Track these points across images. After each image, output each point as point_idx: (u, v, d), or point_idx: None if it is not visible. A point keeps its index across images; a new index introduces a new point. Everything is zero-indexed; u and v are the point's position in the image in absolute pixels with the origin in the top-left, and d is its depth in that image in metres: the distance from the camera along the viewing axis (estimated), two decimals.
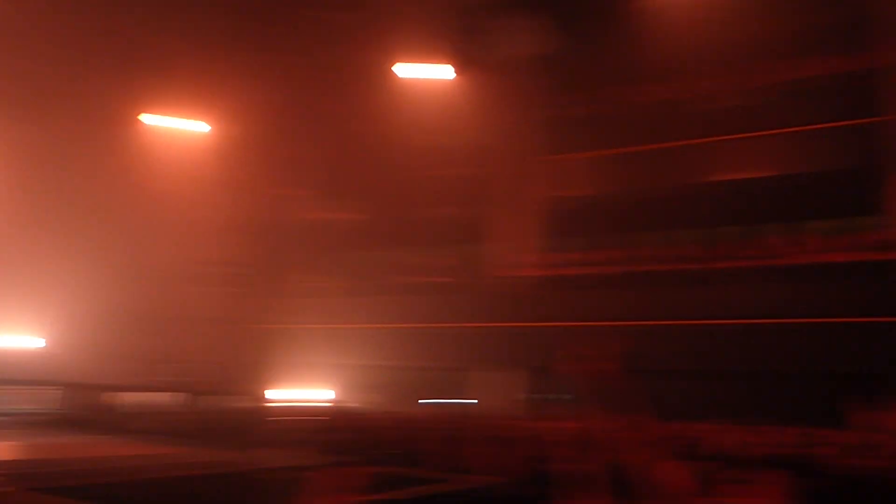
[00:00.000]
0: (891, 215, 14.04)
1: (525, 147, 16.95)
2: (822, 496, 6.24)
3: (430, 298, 16.82)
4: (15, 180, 17.58)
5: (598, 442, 4.59)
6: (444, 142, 18.01)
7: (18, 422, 13.85)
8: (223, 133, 19.19)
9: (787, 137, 14.73)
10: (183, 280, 19.57)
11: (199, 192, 18.62)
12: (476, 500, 7.59)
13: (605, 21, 15.98)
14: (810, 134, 14.55)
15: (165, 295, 19.16)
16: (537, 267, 15.65)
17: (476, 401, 15.16)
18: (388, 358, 16.76)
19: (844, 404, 9.82)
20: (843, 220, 15.69)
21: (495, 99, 17.50)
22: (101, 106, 17.83)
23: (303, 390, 15.03)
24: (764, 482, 5.55)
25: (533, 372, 14.63)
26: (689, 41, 15.61)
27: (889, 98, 14.01)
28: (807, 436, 8.82)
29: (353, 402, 15.19)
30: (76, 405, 14.94)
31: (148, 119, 18.55)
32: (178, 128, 18.91)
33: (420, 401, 15.60)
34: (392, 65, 17.24)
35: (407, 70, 17.32)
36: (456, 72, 17.31)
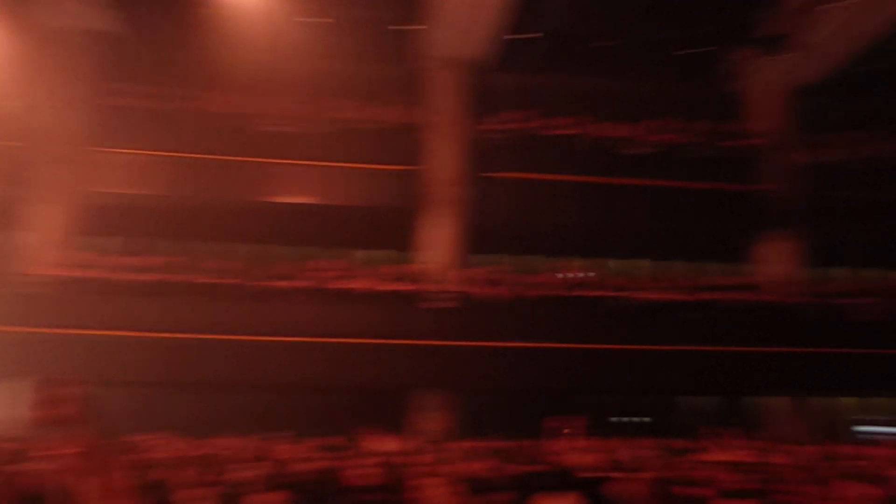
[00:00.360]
0: (418, 251, 15.97)
1: (72, 131, 15.12)
2: None
3: None
4: None
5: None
6: None
7: None
8: None
9: (340, 171, 15.81)
10: None
11: None
12: None
13: (180, 17, 15.39)
14: (359, 171, 15.83)
15: None
16: (65, 266, 13.82)
17: None
18: None
19: (364, 420, 10.27)
20: (381, 251, 17.44)
21: (46, 71, 15.40)
22: None
23: None
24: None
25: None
26: (262, 59, 15.87)
27: (422, 149, 16.04)
28: (319, 449, 8.94)
29: None
30: None
31: None
32: None
33: None
34: None
35: None
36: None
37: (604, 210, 16.57)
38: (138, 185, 15.00)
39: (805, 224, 17.00)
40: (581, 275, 16.35)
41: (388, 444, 9.13)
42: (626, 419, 17.73)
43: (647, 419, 18.06)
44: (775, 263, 17.16)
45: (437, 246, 15.94)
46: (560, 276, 16.20)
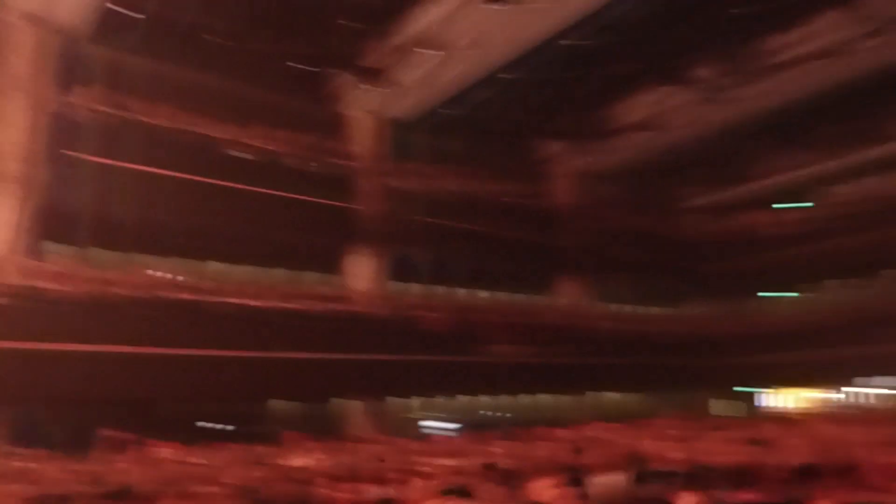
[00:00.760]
0: None
1: None
2: None
3: None
4: None
5: None
6: None
7: None
8: None
9: None
10: None
11: None
12: None
13: None
14: None
15: None
16: None
17: None
18: None
19: None
20: None
21: None
22: None
23: None
24: None
25: None
26: None
27: None
28: None
29: None
30: None
31: None
32: None
33: None
34: None
35: None
36: None
37: (202, 210, 15.93)
38: None
39: (389, 242, 18.79)
40: (173, 276, 15.35)
41: None
42: (212, 425, 17.06)
43: (233, 426, 17.66)
44: (363, 277, 18.56)
45: None
46: (150, 275, 14.97)
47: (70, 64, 14.75)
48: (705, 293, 25.90)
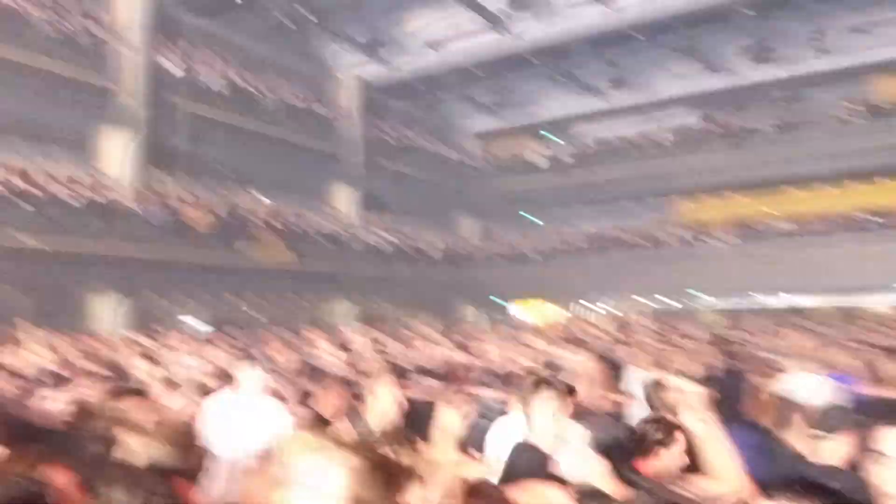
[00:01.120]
0: None
1: None
2: None
3: None
4: None
5: None
6: None
7: None
8: None
9: None
10: None
11: None
12: None
13: None
14: None
15: None
16: None
17: None
18: None
19: None
20: None
21: None
22: None
23: None
24: None
25: None
26: None
27: None
28: None
29: None
30: None
31: None
32: None
33: None
34: None
35: None
36: None
37: None
38: None
39: (149, 126, 17.35)
40: None
41: None
42: None
43: None
44: (117, 163, 17.18)
45: None
46: None
47: None
48: (474, 212, 27.59)
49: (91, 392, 4.88)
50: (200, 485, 3.74)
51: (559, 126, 27.69)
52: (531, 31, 20.73)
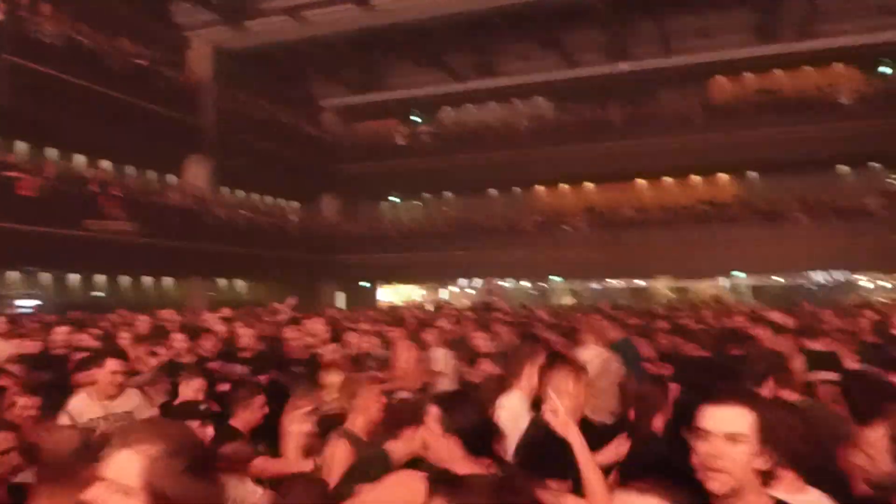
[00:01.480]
0: None
1: None
2: None
3: None
4: None
5: None
6: None
7: None
8: None
9: None
10: None
11: None
12: None
13: None
14: None
15: None
16: None
17: None
18: None
19: None
20: None
21: None
22: None
23: None
24: None
25: None
26: None
27: None
28: None
29: None
30: None
31: None
32: None
33: None
34: None
35: None
36: None
37: None
38: None
39: None
40: None
41: None
42: None
43: None
44: None
45: None
46: None
47: None
48: (334, 191, 26.92)
49: None
50: None
51: (424, 107, 27.61)
52: (394, 7, 20.42)
